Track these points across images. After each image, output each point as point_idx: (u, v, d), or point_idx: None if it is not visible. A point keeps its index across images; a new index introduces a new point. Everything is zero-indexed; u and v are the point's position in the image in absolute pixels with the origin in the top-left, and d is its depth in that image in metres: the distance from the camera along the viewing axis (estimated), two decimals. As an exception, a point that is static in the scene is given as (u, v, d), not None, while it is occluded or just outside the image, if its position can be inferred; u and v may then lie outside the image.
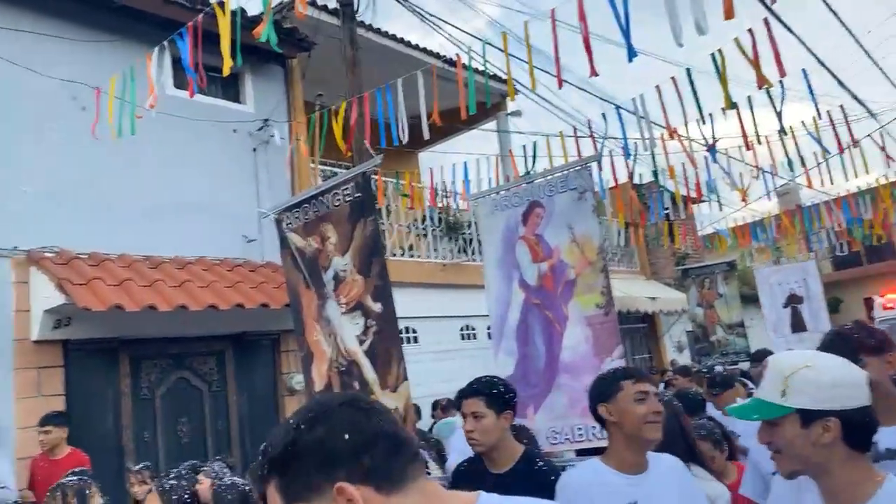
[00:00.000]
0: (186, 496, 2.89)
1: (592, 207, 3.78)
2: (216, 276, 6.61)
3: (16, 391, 5.60)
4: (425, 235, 9.96)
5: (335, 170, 8.28)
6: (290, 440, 1.00)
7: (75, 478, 3.22)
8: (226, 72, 4.70)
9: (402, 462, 1.01)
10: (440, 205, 9.50)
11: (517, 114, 12.03)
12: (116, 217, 6.39)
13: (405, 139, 5.93)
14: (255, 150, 7.76)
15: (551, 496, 2.21)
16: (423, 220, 9.90)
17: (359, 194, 5.01)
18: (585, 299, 3.73)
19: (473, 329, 10.15)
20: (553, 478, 2.39)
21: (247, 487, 2.93)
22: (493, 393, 2.66)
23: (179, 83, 6.52)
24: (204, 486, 3.00)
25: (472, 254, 10.14)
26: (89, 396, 5.97)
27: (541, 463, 2.65)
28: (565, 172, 3.96)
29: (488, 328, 9.46)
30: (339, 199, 5.19)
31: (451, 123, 7.60)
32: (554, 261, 3.82)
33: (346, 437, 0.98)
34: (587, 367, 3.85)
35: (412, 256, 9.72)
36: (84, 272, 5.74)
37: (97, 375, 6.06)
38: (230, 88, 7.88)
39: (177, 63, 5.44)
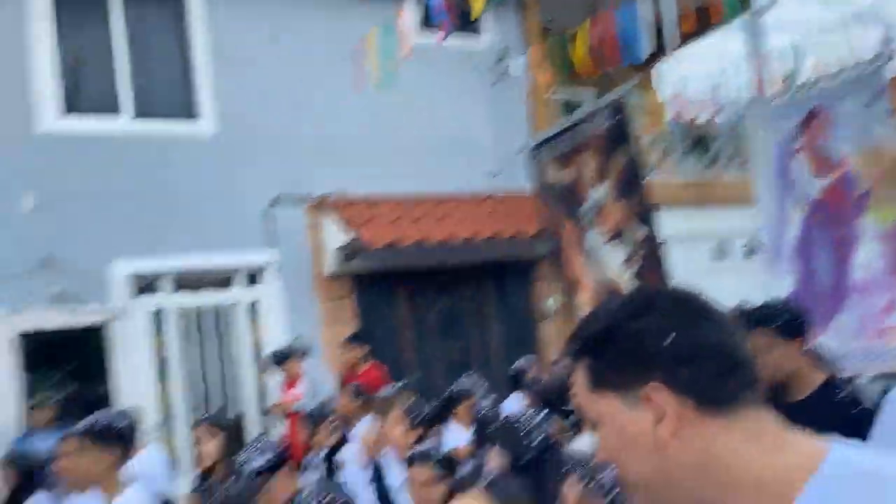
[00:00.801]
0: None
1: (888, 110, 3.39)
2: (471, 209, 7.05)
3: (319, 317, 6.60)
4: (669, 153, 9.55)
5: (576, 98, 8.23)
6: (609, 325, 0.93)
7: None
8: (475, 15, 4.88)
9: (732, 384, 0.87)
10: (685, 118, 9.02)
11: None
12: (382, 160, 7.05)
13: (647, 53, 5.71)
14: (494, 82, 7.98)
15: (854, 430, 2.09)
16: (667, 136, 9.48)
17: (614, 120, 4.93)
18: (881, 213, 3.40)
19: (726, 249, 9.63)
20: (855, 411, 2.25)
21: None
22: (781, 320, 2.51)
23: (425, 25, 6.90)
24: None
25: (723, 169, 9.53)
26: (375, 321, 6.82)
27: (843, 393, 2.49)
28: (852, 73, 3.58)
29: (744, 247, 8.91)
30: (593, 128, 5.14)
31: (695, 28, 7.12)
32: (841, 173, 3.51)
33: (671, 338, 0.88)
34: (881, 287, 3.55)
35: (655, 176, 9.41)
36: (363, 213, 6.49)
37: (380, 303, 6.89)
38: (468, 23, 8.11)
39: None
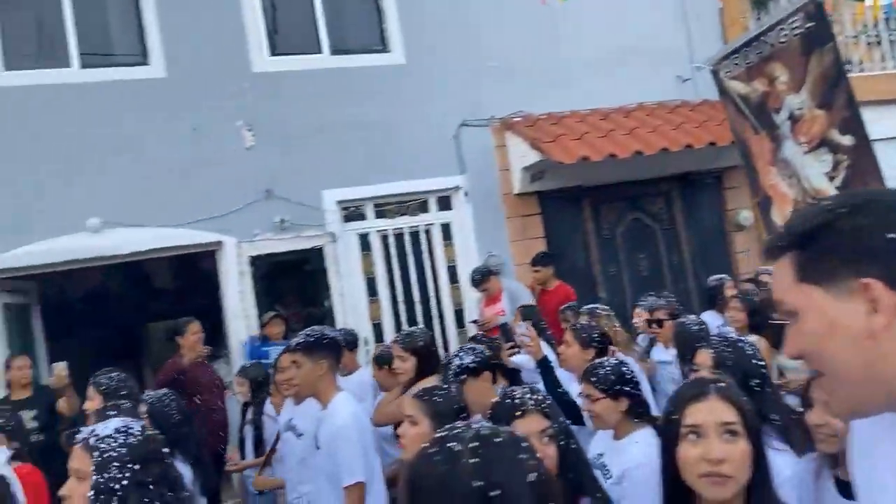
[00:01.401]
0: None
1: None
2: (660, 119, 6.78)
3: (508, 235, 6.76)
4: (878, 43, 8.52)
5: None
6: (825, 221, 0.95)
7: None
8: None
9: None
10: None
11: None
12: (562, 76, 6.92)
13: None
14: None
15: None
16: (875, 24, 8.45)
17: (811, 24, 4.58)
18: None
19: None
20: None
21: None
22: None
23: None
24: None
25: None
26: (562, 238, 6.88)
27: None
28: None
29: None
30: (785, 35, 4.80)
31: None
32: None
33: (891, 235, 0.89)
34: None
35: (861, 71, 8.46)
36: (549, 131, 6.47)
37: (567, 220, 6.92)
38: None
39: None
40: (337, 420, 2.92)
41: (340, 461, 2.85)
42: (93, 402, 3.80)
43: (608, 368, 2.62)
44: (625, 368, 2.65)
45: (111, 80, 5.81)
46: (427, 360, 3.48)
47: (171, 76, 5.93)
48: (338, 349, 3.16)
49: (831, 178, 4.70)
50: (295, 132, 6.19)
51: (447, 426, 1.11)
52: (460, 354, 3.02)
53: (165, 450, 1.88)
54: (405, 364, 3.57)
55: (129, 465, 1.75)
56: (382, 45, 6.65)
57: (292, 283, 6.24)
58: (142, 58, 5.98)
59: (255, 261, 6.06)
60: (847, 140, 4.59)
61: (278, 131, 6.14)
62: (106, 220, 5.63)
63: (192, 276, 7.48)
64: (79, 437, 1.88)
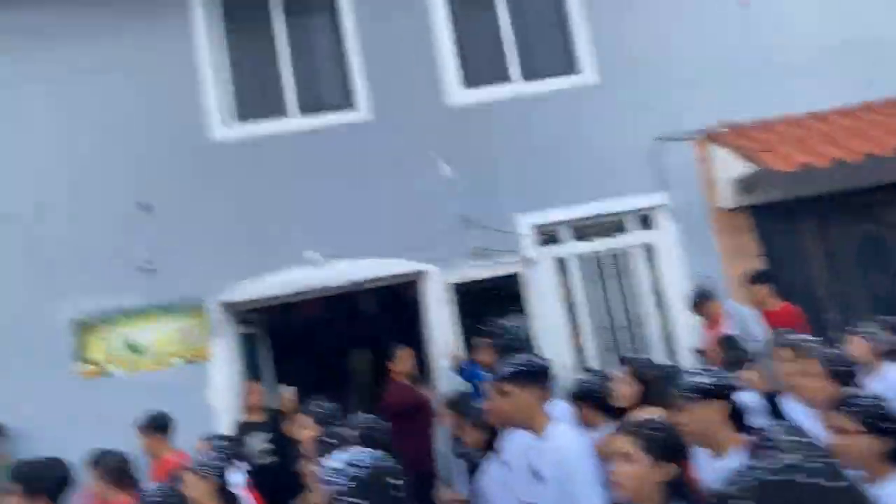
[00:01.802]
0: None
1: None
2: (892, 118, 6.00)
3: (718, 254, 6.28)
4: None
5: None
6: None
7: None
8: None
9: None
10: None
11: None
12: (767, 80, 6.39)
13: None
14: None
15: None
16: None
17: None
18: None
19: None
20: None
21: None
22: None
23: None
24: None
25: None
26: (780, 255, 6.26)
27: None
28: None
29: None
30: None
31: None
32: None
33: None
34: None
35: None
36: (760, 139, 5.97)
37: (785, 235, 6.30)
38: None
39: None
40: (565, 451, 2.72)
41: (577, 494, 2.63)
42: (308, 431, 3.99)
43: (870, 400, 2.27)
44: (886, 403, 2.29)
45: (325, 125, 6.29)
46: (652, 390, 3.27)
47: (377, 118, 6.29)
48: (547, 377, 3.02)
49: None
50: (489, 160, 6.27)
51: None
52: (698, 373, 2.73)
53: (396, 480, 1.84)
54: (628, 389, 3.36)
55: (358, 497, 1.74)
56: (573, 67, 6.57)
57: (492, 309, 6.25)
58: (350, 103, 6.42)
59: (456, 288, 6.16)
60: None
61: (473, 160, 6.26)
62: (324, 253, 6.05)
63: (392, 304, 7.80)
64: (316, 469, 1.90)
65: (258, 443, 5.65)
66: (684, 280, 6.19)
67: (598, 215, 6.35)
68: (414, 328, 7.00)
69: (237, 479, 3.80)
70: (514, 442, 3.22)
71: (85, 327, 5.91)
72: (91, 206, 6.00)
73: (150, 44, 6.21)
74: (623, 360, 4.09)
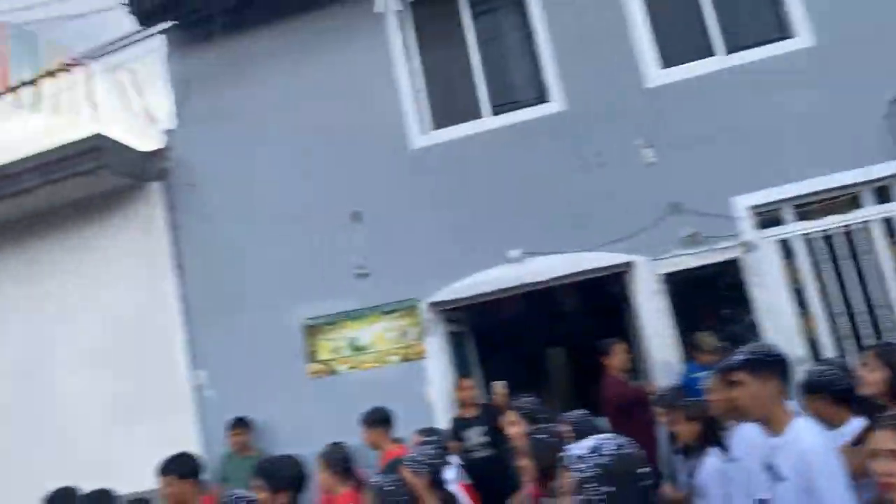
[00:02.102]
0: None
1: None
2: None
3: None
4: None
5: None
6: None
7: None
8: None
9: None
10: None
11: None
12: None
13: None
14: None
15: None
16: None
17: None
18: None
19: None
20: None
21: None
22: None
23: None
24: None
25: None
26: None
27: None
28: None
29: None
30: None
31: None
32: None
33: None
34: None
35: None
36: None
37: None
38: None
39: None
40: (809, 450, 2.49)
41: (823, 497, 2.41)
42: (516, 426, 4.10)
43: None
44: None
45: (519, 121, 6.31)
46: None
47: (572, 108, 6.19)
48: (787, 369, 2.71)
49: None
50: (695, 141, 5.91)
51: None
52: None
53: (643, 469, 1.79)
54: (872, 375, 2.99)
55: (604, 484, 1.72)
56: (785, 31, 6.01)
57: (707, 299, 5.87)
58: (543, 96, 6.38)
59: (667, 278, 5.88)
60: None
61: (678, 143, 5.94)
62: (528, 250, 6.05)
63: (591, 300, 7.63)
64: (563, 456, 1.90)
65: (474, 437, 5.78)
66: (937, 256, 5.41)
67: (826, 190, 5.74)
68: (615, 323, 6.80)
69: (450, 474, 3.84)
70: (745, 437, 2.99)
71: (313, 329, 6.40)
72: (316, 217, 6.49)
73: (349, 62, 6.61)
74: (866, 348, 3.62)
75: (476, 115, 6.48)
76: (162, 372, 6.54)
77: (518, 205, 6.17)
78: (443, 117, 6.54)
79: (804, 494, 2.45)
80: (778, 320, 5.71)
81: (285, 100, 6.67)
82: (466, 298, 6.19)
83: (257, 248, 6.58)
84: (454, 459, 4.54)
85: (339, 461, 4.22)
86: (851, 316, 5.71)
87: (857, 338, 5.62)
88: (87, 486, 4.27)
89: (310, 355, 6.41)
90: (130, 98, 6.65)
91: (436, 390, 6.14)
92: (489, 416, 5.72)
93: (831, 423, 3.14)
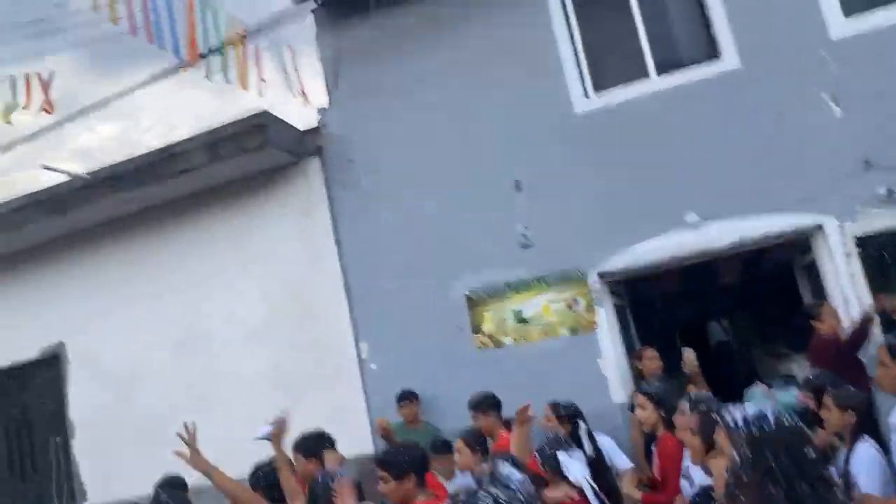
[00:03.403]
0: None
1: None
2: None
3: None
4: None
5: None
6: None
7: None
8: None
9: None
10: None
11: None
12: None
13: None
14: None
15: None
16: None
17: None
18: None
19: None
20: None
21: None
22: None
23: None
24: None
25: None
26: None
27: None
28: None
29: None
30: None
31: None
32: None
33: None
34: None
35: None
36: None
37: None
38: None
39: None
40: None
41: None
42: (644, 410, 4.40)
43: None
44: None
45: (688, 81, 6.04)
46: None
47: (746, 65, 5.88)
48: None
49: None
50: (889, 94, 5.51)
51: None
52: None
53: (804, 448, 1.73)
54: None
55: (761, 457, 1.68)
56: None
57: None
58: (713, 53, 6.08)
59: (862, 241, 5.52)
60: None
61: (868, 96, 5.55)
62: (703, 215, 5.80)
63: (754, 270, 7.29)
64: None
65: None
66: None
67: None
68: (782, 295, 6.46)
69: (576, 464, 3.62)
70: None
71: (476, 301, 6.33)
72: (476, 188, 6.40)
73: (507, 27, 6.46)
74: None
75: (641, 75, 6.24)
76: (328, 345, 6.60)
77: (690, 168, 5.91)
78: (606, 79, 6.33)
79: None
80: None
81: (441, 70, 6.59)
82: (641, 268, 5.99)
83: (416, 221, 6.54)
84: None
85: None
86: None
87: None
88: (246, 458, 4.23)
89: (475, 328, 6.34)
90: (289, 75, 6.71)
91: (610, 364, 5.96)
92: (679, 386, 5.50)
93: None
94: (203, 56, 5.89)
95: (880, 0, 5.75)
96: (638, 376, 5.82)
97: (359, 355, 6.56)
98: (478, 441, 4.61)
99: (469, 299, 6.35)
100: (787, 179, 5.67)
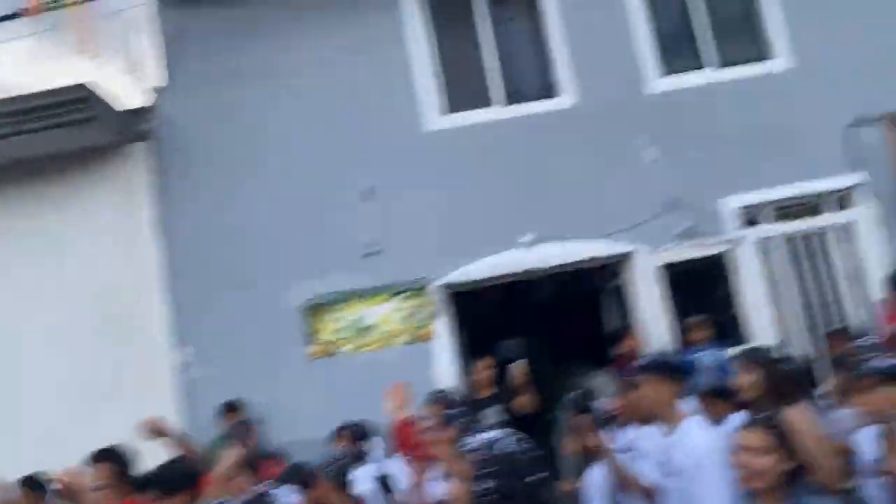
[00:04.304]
0: None
1: None
2: None
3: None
4: None
5: None
6: None
7: None
8: None
9: None
10: None
11: None
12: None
13: None
14: None
15: None
16: None
17: None
18: None
19: None
20: None
21: None
22: None
23: None
24: None
25: None
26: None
27: None
28: None
29: None
30: None
31: None
32: None
33: None
34: None
35: None
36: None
37: None
38: None
39: None
40: (695, 446, 2.79)
41: (704, 490, 2.70)
42: None
43: None
44: None
45: (531, 113, 6.54)
46: (778, 379, 3.22)
47: (581, 105, 6.53)
48: (680, 372, 3.05)
49: None
50: (692, 144, 6.46)
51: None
52: (880, 356, 2.87)
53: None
54: (746, 378, 3.31)
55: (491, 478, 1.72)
56: (767, 53, 6.75)
57: (699, 291, 6.40)
58: (555, 91, 6.67)
59: (664, 270, 6.33)
60: None
61: (677, 144, 6.45)
62: (536, 236, 6.25)
63: (567, 292, 7.96)
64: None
65: (492, 417, 5.82)
66: (882, 260, 6.31)
67: (798, 196, 6.50)
68: (592, 316, 7.16)
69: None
70: (644, 436, 3.24)
71: (315, 308, 6.14)
72: (321, 193, 6.25)
73: (364, 38, 6.49)
74: (743, 353, 3.93)
75: (490, 103, 6.62)
76: (139, 348, 5.95)
77: (528, 193, 6.37)
78: (458, 102, 6.61)
79: (691, 489, 2.74)
80: (756, 312, 6.35)
81: (294, 66, 6.40)
82: (481, 280, 6.27)
83: (257, 221, 6.22)
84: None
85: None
86: (813, 312, 6.47)
87: (815, 332, 6.37)
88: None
89: (311, 336, 6.14)
90: (119, 49, 6.04)
91: (444, 374, 6.12)
92: (506, 396, 5.79)
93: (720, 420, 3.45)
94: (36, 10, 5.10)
95: (693, 63, 6.75)
96: (473, 387, 6.03)
97: (180, 360, 6.00)
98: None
99: (308, 306, 6.15)
100: (608, 210, 6.34)
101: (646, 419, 3.02)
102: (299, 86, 6.39)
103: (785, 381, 3.21)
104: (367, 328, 6.16)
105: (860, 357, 3.16)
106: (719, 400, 3.70)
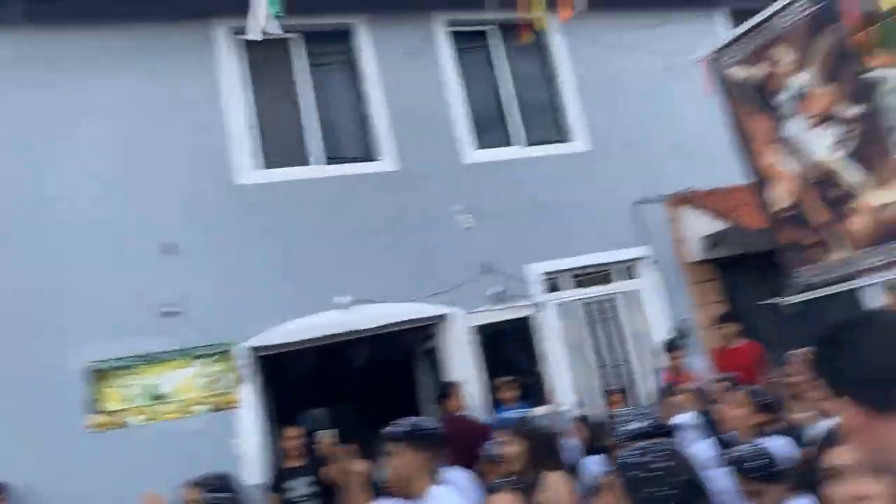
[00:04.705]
0: None
1: None
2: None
3: (692, 300, 7.23)
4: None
5: None
6: None
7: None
8: None
9: None
10: None
11: None
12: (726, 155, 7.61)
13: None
14: None
15: None
16: None
17: (818, 6, 4.64)
18: None
19: None
20: None
21: None
22: None
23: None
24: None
25: None
26: (740, 302, 7.34)
27: None
28: None
29: None
30: (789, 19, 4.82)
31: None
32: None
33: None
34: None
35: None
36: (726, 202, 7.09)
37: (742, 285, 7.40)
38: None
39: None
40: None
41: None
42: None
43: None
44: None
45: (350, 174, 6.52)
46: (541, 448, 3.43)
47: (401, 170, 6.65)
48: (436, 440, 2.92)
49: (837, 150, 4.72)
50: (502, 213, 6.82)
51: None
52: (633, 419, 3.09)
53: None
54: (511, 449, 3.45)
55: None
56: (567, 136, 7.40)
57: (509, 352, 6.65)
58: (375, 154, 6.74)
59: (477, 331, 6.52)
60: (854, 111, 4.57)
61: (489, 213, 6.78)
62: (352, 298, 6.15)
63: (380, 355, 7.90)
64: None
65: (301, 487, 5.50)
66: (662, 323, 7.03)
67: (593, 265, 7.08)
68: (406, 378, 7.18)
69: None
70: None
71: (100, 373, 5.47)
72: (114, 247, 5.68)
73: (175, 82, 6.15)
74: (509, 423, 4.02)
75: (308, 161, 6.52)
76: None
77: (345, 254, 6.29)
78: (275, 157, 6.43)
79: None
80: (557, 370, 6.72)
81: (94, 109, 5.86)
82: (292, 343, 5.99)
83: (34, 272, 5.48)
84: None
85: None
86: (607, 370, 7.00)
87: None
88: None
89: (93, 404, 5.44)
90: None
91: (249, 442, 5.70)
92: (315, 466, 5.52)
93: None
94: None
95: (504, 140, 7.20)
96: (282, 456, 5.69)
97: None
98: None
99: (92, 371, 5.47)
100: (424, 273, 6.44)
101: (399, 490, 2.81)
102: (103, 125, 5.87)
103: (545, 449, 3.41)
104: (162, 396, 5.60)
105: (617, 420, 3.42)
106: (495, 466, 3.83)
